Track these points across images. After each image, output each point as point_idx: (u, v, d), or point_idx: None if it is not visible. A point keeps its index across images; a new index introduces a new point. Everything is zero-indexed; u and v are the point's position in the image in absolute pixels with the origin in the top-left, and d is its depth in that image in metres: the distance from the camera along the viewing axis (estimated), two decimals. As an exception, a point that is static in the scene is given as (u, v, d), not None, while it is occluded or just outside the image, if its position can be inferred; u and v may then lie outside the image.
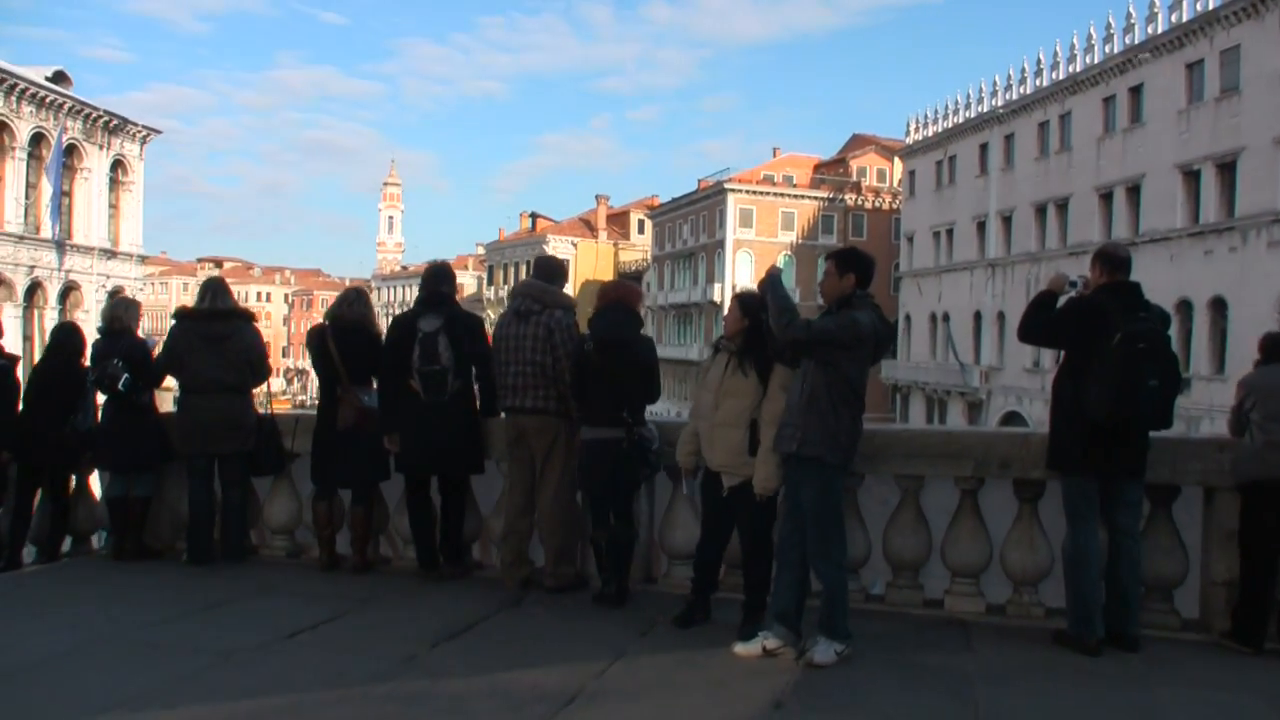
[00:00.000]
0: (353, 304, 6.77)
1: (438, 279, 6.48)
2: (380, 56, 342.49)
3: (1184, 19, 37.25)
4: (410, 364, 6.18)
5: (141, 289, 41.24)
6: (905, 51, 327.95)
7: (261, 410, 7.24)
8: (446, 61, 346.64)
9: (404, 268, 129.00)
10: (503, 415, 6.22)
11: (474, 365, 6.29)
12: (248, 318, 7.07)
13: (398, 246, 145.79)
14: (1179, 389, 4.92)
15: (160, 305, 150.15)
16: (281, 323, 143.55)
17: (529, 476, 6.21)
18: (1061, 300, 5.17)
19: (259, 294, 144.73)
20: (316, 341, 6.66)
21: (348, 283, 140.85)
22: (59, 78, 39.68)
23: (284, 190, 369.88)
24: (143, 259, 41.13)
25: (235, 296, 7.33)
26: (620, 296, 6.14)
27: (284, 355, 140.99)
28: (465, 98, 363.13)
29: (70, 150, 36.19)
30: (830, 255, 5.28)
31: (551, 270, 6.54)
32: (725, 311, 5.61)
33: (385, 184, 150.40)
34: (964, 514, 5.68)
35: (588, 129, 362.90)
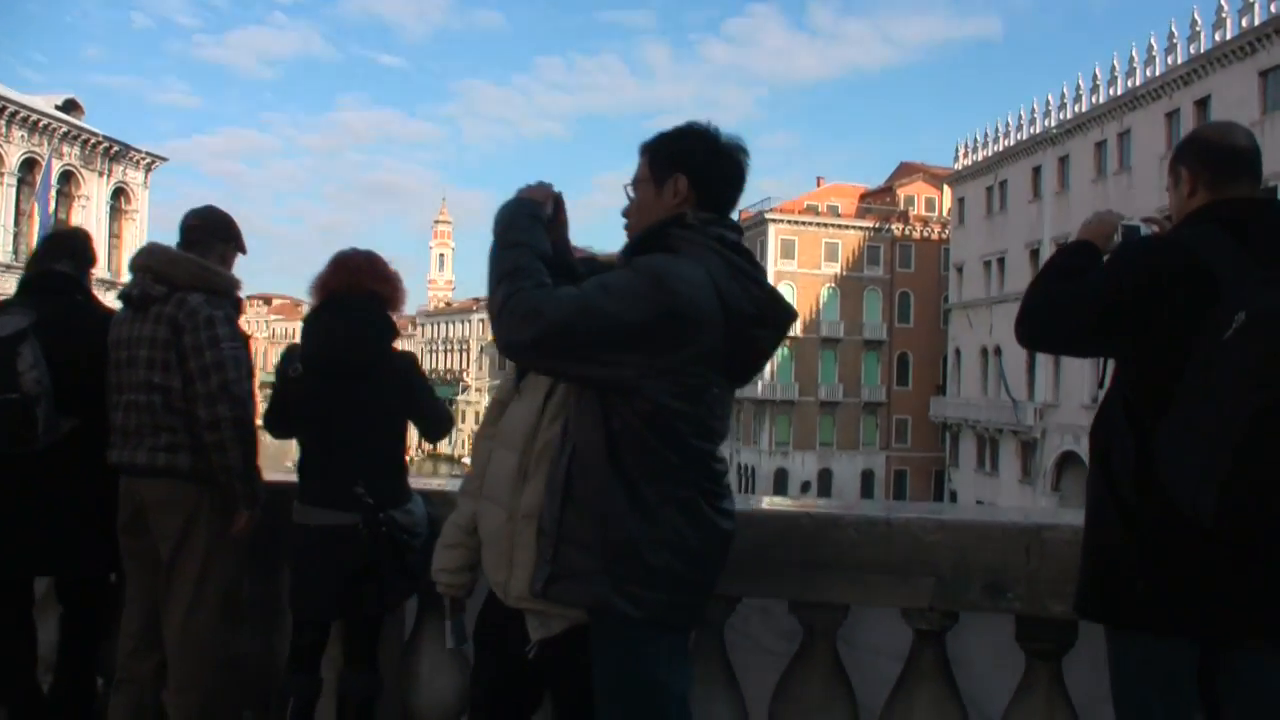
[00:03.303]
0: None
1: (51, 251, 3.91)
2: (441, 98, 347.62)
3: (1256, 22, 34.15)
4: None
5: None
6: (963, 85, 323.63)
7: None
8: (505, 103, 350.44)
9: (448, 304, 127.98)
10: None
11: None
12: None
13: (448, 284, 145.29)
14: None
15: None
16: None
17: (152, 585, 3.56)
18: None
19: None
20: None
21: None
22: (69, 106, 38.48)
23: (343, 230, 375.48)
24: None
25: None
26: (353, 282, 3.61)
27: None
28: (524, 138, 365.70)
29: (67, 177, 34.73)
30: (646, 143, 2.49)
31: (207, 227, 3.66)
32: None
33: (436, 222, 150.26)
34: (920, 674, 3.00)
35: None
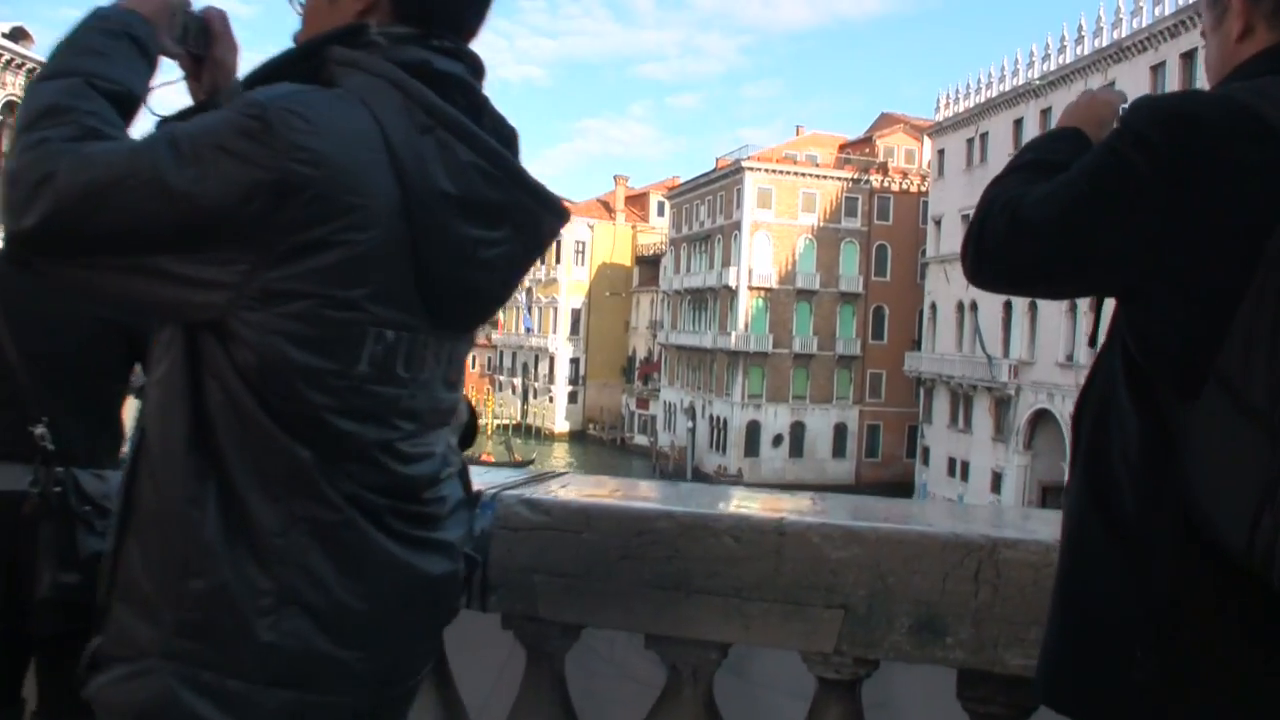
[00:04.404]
0: None
1: None
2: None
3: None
4: None
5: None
6: (950, 36, 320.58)
7: None
8: (488, 46, 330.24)
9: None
10: None
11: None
12: None
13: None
14: None
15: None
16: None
17: None
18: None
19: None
20: None
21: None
22: (18, 34, 36.82)
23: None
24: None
25: None
26: None
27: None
28: (505, 82, 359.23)
29: (10, 108, 33.20)
30: None
31: None
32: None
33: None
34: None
35: (627, 115, 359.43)
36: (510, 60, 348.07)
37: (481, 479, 2.48)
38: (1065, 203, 1.38)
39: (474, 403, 1.91)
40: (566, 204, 1.75)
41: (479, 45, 1.47)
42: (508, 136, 1.45)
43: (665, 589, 2.09)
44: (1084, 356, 40.70)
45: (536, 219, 1.48)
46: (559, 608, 2.16)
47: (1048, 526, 2.06)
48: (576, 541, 2.15)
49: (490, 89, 1.45)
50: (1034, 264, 1.46)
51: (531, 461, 66.20)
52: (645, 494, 2.38)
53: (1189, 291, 1.30)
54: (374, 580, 1.34)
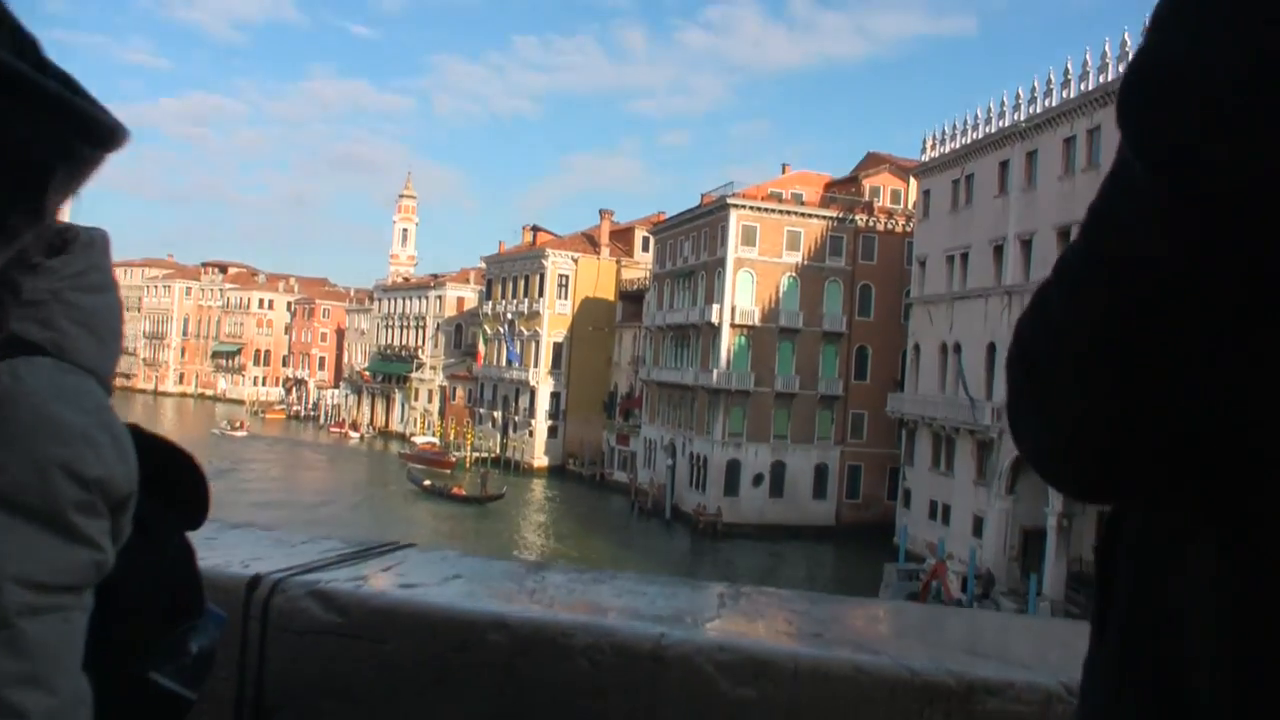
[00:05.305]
0: None
1: None
2: (413, 72, 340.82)
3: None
4: None
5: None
6: (935, 80, 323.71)
7: None
8: (479, 79, 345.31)
9: (405, 279, 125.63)
10: None
11: None
12: None
13: (410, 259, 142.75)
14: None
15: (161, 309, 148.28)
16: (283, 331, 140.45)
17: None
18: None
19: (262, 300, 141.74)
20: None
21: (352, 293, 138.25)
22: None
23: (309, 200, 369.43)
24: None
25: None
26: None
27: (284, 364, 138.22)
28: (496, 115, 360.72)
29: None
30: None
31: None
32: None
33: (400, 196, 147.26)
34: None
35: (616, 151, 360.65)
36: (501, 93, 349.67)
37: (289, 551, 1.84)
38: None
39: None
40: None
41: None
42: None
43: (495, 730, 1.45)
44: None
45: None
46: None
47: (1036, 647, 1.42)
48: (377, 655, 1.51)
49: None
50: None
51: (502, 495, 65.28)
52: (496, 585, 1.73)
53: None
54: None
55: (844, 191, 65.96)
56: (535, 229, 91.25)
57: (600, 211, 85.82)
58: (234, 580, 1.59)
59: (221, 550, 1.78)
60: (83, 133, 0.84)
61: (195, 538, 2.10)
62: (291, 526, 2.54)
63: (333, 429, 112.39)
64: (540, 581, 1.66)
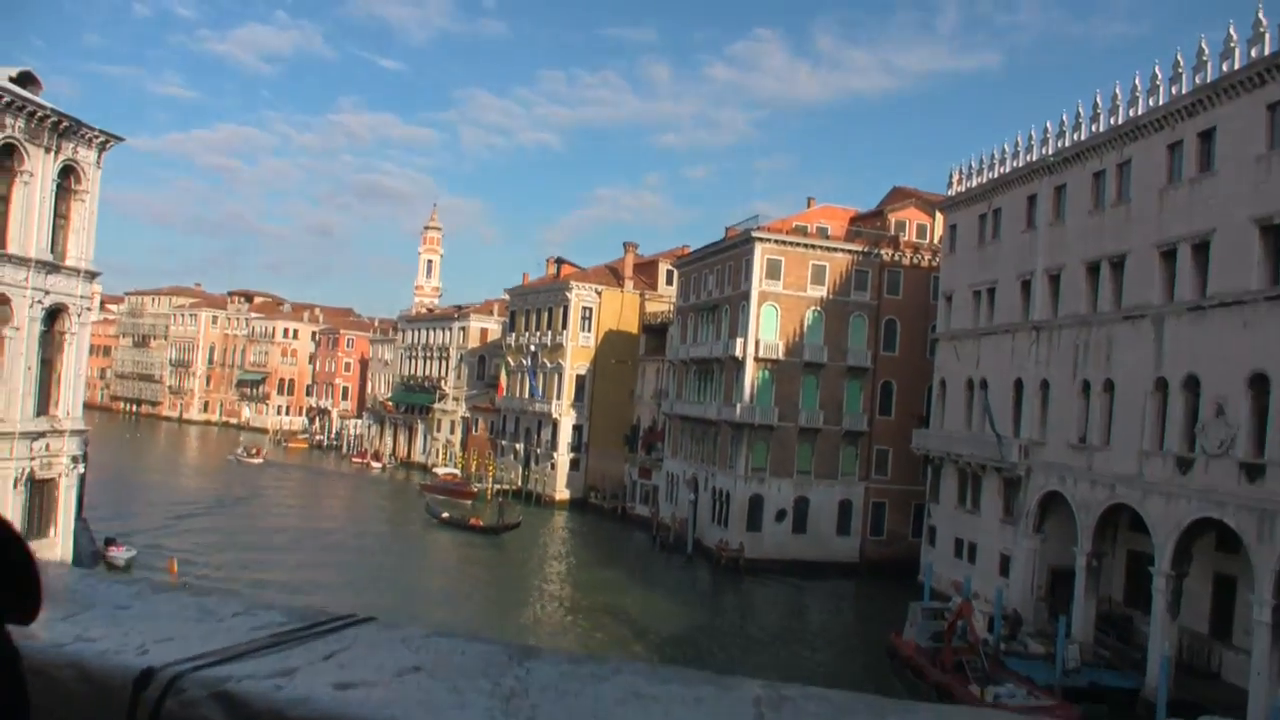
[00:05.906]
0: None
1: None
2: (440, 105, 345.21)
3: (1266, 53, 32.57)
4: None
5: (88, 308, 37.37)
6: (961, 115, 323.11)
7: None
8: (505, 113, 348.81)
9: (429, 310, 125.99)
10: None
11: None
12: None
13: (435, 290, 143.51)
14: None
15: (188, 337, 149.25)
16: (307, 360, 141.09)
17: None
18: None
19: (287, 330, 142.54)
20: None
21: (376, 323, 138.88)
22: (26, 79, 36.48)
23: (335, 231, 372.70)
24: (92, 276, 37.10)
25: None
26: None
27: (308, 393, 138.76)
28: (521, 148, 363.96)
29: (9, 150, 32.68)
30: None
31: None
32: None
33: (426, 228, 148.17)
34: None
35: (640, 185, 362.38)
36: (527, 126, 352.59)
37: (212, 628, 1.52)
38: None
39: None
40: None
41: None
42: None
43: None
44: (1097, 437, 39.54)
45: None
46: None
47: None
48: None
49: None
50: None
51: (518, 524, 64.75)
52: (464, 682, 1.39)
53: None
54: None
55: (869, 226, 65.57)
56: (559, 261, 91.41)
57: (624, 244, 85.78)
58: (120, 674, 1.26)
59: (124, 625, 1.45)
60: None
61: (100, 607, 1.73)
62: (251, 584, 2.20)
63: (355, 459, 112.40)
64: (523, 676, 1.33)
